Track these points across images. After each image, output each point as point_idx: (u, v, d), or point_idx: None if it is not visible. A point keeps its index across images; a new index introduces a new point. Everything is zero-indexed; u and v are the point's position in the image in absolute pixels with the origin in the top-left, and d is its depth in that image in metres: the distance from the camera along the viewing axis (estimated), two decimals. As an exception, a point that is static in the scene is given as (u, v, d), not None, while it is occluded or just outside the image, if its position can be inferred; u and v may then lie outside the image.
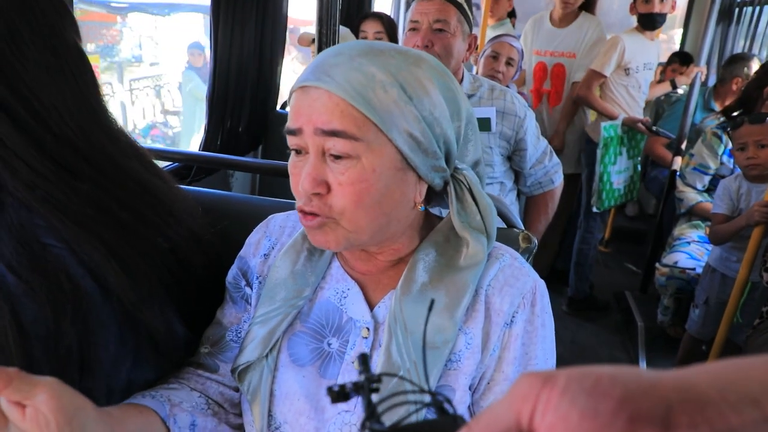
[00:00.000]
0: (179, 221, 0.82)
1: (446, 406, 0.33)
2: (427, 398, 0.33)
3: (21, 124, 0.67)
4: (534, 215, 1.83)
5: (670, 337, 2.77)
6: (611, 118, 2.89)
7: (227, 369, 0.81)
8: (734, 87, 3.11)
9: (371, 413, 0.33)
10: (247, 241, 0.86)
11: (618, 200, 3.12)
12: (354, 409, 0.72)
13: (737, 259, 2.11)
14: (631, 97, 2.98)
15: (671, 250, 2.67)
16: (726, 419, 0.24)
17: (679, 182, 2.76)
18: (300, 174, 0.67)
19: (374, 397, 0.34)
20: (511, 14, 3.99)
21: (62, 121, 0.70)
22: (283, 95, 2.61)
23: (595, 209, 2.95)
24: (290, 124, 0.67)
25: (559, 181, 1.80)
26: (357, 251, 0.77)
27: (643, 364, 2.60)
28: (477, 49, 2.81)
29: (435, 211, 0.84)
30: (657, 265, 2.64)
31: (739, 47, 3.96)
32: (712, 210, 2.25)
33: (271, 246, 0.83)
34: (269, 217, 0.88)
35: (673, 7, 2.87)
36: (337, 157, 0.64)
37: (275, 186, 2.28)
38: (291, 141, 0.68)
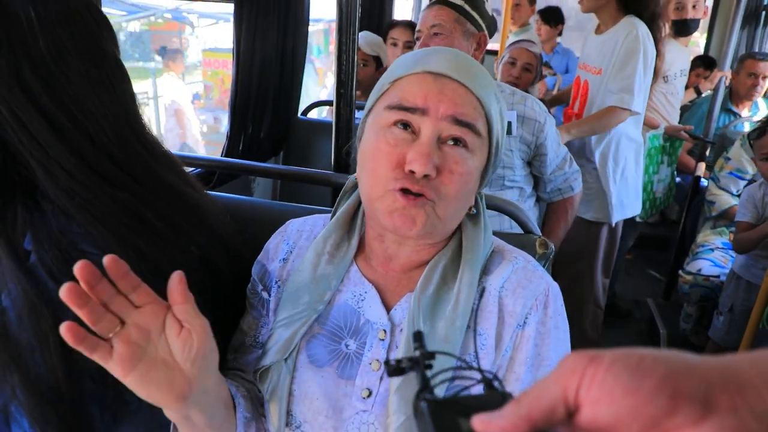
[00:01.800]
0: (210, 229, 0.84)
1: (495, 383, 0.35)
2: (477, 375, 0.36)
3: (63, 133, 0.69)
4: (554, 222, 1.83)
5: (693, 345, 2.73)
6: (653, 127, 2.85)
7: (248, 375, 0.83)
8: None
9: (425, 386, 0.35)
10: (265, 246, 0.88)
11: (658, 208, 3.08)
12: (372, 408, 0.74)
13: (762, 266, 2.07)
14: (670, 105, 2.96)
15: (694, 257, 2.64)
16: (765, 401, 0.25)
17: (711, 185, 2.73)
18: (396, 148, 0.70)
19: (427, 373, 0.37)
20: (560, 21, 3.95)
21: (101, 130, 0.72)
22: (304, 102, 2.64)
23: (638, 219, 2.86)
24: (411, 101, 0.70)
25: (578, 188, 1.80)
26: (382, 248, 0.79)
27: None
28: (497, 54, 2.81)
29: None
30: (680, 272, 2.60)
31: (766, 51, 3.90)
32: (736, 218, 2.22)
33: (289, 250, 0.85)
34: (287, 222, 0.89)
35: (705, 13, 2.85)
36: (457, 143, 0.70)
37: (296, 191, 2.31)
38: (401, 115, 0.71)
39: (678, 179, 3.62)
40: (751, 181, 2.56)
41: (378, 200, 0.72)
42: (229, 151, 2.12)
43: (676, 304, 3.00)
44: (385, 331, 0.76)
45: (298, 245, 0.85)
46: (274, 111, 2.27)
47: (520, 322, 0.74)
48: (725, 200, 2.65)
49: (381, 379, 0.74)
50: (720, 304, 2.30)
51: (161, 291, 0.74)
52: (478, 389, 0.36)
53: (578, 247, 2.43)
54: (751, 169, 2.58)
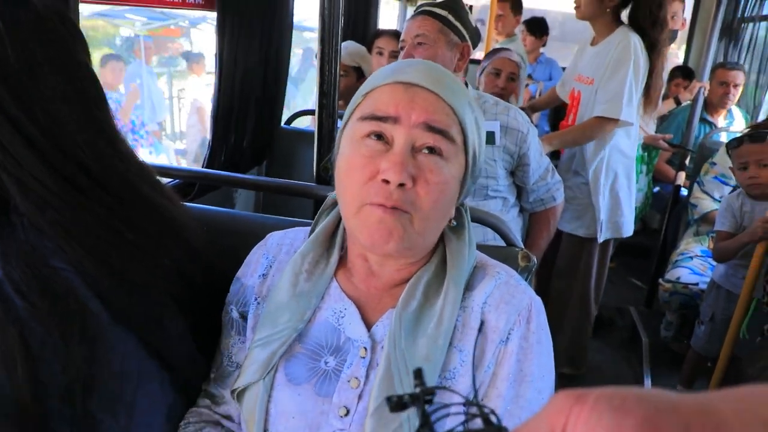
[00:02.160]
0: (185, 242, 0.83)
1: (491, 417, 0.35)
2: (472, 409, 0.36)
3: (36, 145, 0.68)
4: (536, 232, 1.84)
5: (675, 353, 2.75)
6: None
7: (227, 394, 0.83)
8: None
9: (425, 421, 0.36)
10: (245, 260, 0.87)
11: (637, 217, 3.12)
12: (349, 427, 0.72)
13: (742, 276, 2.10)
14: (647, 114, 2.99)
15: (674, 265, 2.67)
16: None
17: (695, 188, 2.76)
18: (370, 160, 0.69)
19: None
20: (545, 32, 3.98)
21: (74, 142, 0.71)
22: (287, 111, 2.63)
23: None
24: (382, 111, 0.70)
25: (560, 198, 1.81)
26: (364, 265, 0.78)
27: (647, 380, 2.59)
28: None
29: None
30: (660, 281, 2.63)
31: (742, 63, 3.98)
32: (715, 227, 2.25)
33: (269, 264, 0.84)
34: (268, 235, 0.88)
35: (683, 25, 2.89)
36: (432, 151, 0.70)
37: (278, 202, 2.30)
38: (373, 126, 0.70)
39: (657, 188, 3.68)
40: (735, 188, 2.60)
41: (354, 216, 0.71)
42: (211, 160, 2.10)
43: (658, 312, 3.03)
44: (365, 348, 0.75)
45: (278, 259, 0.84)
46: (258, 120, 2.26)
47: (503, 338, 0.73)
48: (707, 204, 2.69)
49: (359, 397, 0.73)
50: (701, 314, 2.32)
51: (134, 305, 0.73)
52: (476, 423, 0.36)
53: (571, 263, 2.43)
54: None
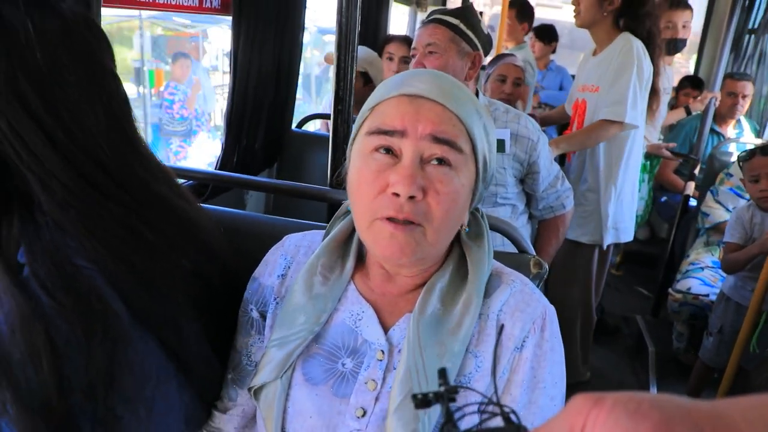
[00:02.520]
0: (203, 243, 0.85)
1: (512, 416, 0.37)
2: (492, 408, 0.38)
3: (59, 146, 0.69)
4: (545, 239, 1.85)
5: (681, 363, 2.74)
6: None
7: (243, 394, 0.85)
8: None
9: (449, 419, 0.38)
10: (263, 260, 0.88)
11: (638, 224, 3.12)
12: (366, 428, 0.74)
13: (751, 288, 2.09)
14: (650, 123, 2.99)
15: (684, 275, 2.66)
16: None
17: (709, 197, 2.76)
18: (380, 174, 0.70)
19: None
20: (554, 38, 3.99)
21: (97, 144, 0.73)
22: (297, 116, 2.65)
23: None
24: (389, 124, 0.70)
25: (570, 206, 1.82)
26: (381, 271, 0.79)
27: (653, 390, 2.58)
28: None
29: None
30: (670, 290, 2.63)
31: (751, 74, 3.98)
32: (724, 238, 2.25)
33: (287, 265, 0.85)
34: (285, 237, 0.89)
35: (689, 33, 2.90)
36: (440, 162, 0.70)
37: (289, 205, 2.31)
38: (381, 140, 0.71)
39: (665, 198, 3.68)
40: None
41: (366, 230, 0.72)
42: (223, 162, 2.12)
43: (664, 321, 3.02)
44: (383, 351, 0.76)
45: (296, 260, 0.85)
46: (269, 123, 2.28)
47: (517, 345, 0.74)
48: (720, 214, 2.69)
49: (377, 399, 0.74)
50: (710, 325, 2.32)
51: (154, 305, 0.74)
52: (496, 421, 0.38)
53: (568, 270, 2.44)
54: None
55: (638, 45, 2.10)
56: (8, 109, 0.66)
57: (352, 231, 0.84)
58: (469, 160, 0.72)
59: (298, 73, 2.46)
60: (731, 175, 2.70)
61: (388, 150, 0.70)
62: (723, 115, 3.32)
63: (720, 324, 2.24)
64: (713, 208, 2.73)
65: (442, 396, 0.39)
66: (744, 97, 3.24)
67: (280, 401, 0.76)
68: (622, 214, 2.35)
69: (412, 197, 0.68)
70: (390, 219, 0.69)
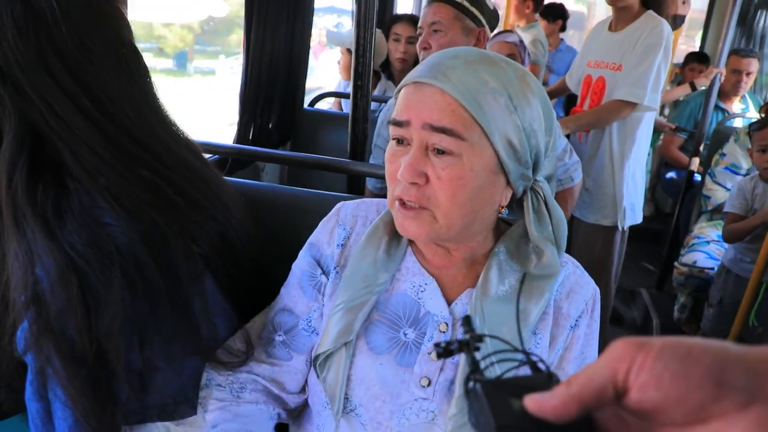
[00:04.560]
0: (227, 207, 0.89)
1: (540, 364, 0.37)
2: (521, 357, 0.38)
3: (88, 114, 0.74)
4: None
5: (685, 334, 2.80)
6: None
7: (300, 359, 0.85)
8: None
9: (475, 368, 0.37)
10: (318, 229, 0.89)
11: (646, 199, 3.16)
12: (432, 397, 0.76)
13: (751, 260, 2.14)
14: None
15: (690, 249, 2.71)
16: None
17: (708, 180, 2.80)
18: (397, 162, 0.72)
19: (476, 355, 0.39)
20: (559, 16, 3.97)
21: (123, 111, 0.78)
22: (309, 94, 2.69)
23: None
24: (398, 115, 0.72)
25: (578, 178, 1.84)
26: (434, 246, 0.81)
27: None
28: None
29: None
30: (676, 264, 2.68)
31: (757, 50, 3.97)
32: (725, 209, 2.28)
33: (346, 236, 0.86)
34: (339, 204, 0.90)
35: (688, 9, 2.89)
36: (440, 153, 0.70)
37: (305, 181, 2.37)
38: (395, 131, 0.73)
39: (672, 174, 3.71)
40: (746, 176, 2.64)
41: (392, 210, 0.76)
42: (239, 140, 2.17)
43: (669, 294, 3.08)
44: (446, 324, 0.78)
45: (355, 230, 0.86)
46: (282, 102, 2.32)
47: (572, 324, 0.79)
48: (721, 195, 2.73)
49: (441, 369, 0.77)
50: (710, 297, 2.36)
51: (181, 266, 0.78)
52: (524, 370, 0.38)
53: (589, 253, 2.38)
54: (745, 164, 2.66)
55: (667, 28, 2.07)
56: (39, 83, 0.72)
57: None
58: (479, 143, 0.69)
59: (308, 52, 2.49)
60: (725, 155, 2.74)
61: (400, 141, 0.73)
62: (727, 92, 3.34)
63: (720, 296, 2.29)
64: (713, 189, 2.77)
65: (467, 344, 0.38)
66: (748, 74, 3.26)
67: (344, 369, 0.78)
68: (637, 195, 2.33)
69: (414, 183, 0.71)
70: (402, 203, 0.73)
